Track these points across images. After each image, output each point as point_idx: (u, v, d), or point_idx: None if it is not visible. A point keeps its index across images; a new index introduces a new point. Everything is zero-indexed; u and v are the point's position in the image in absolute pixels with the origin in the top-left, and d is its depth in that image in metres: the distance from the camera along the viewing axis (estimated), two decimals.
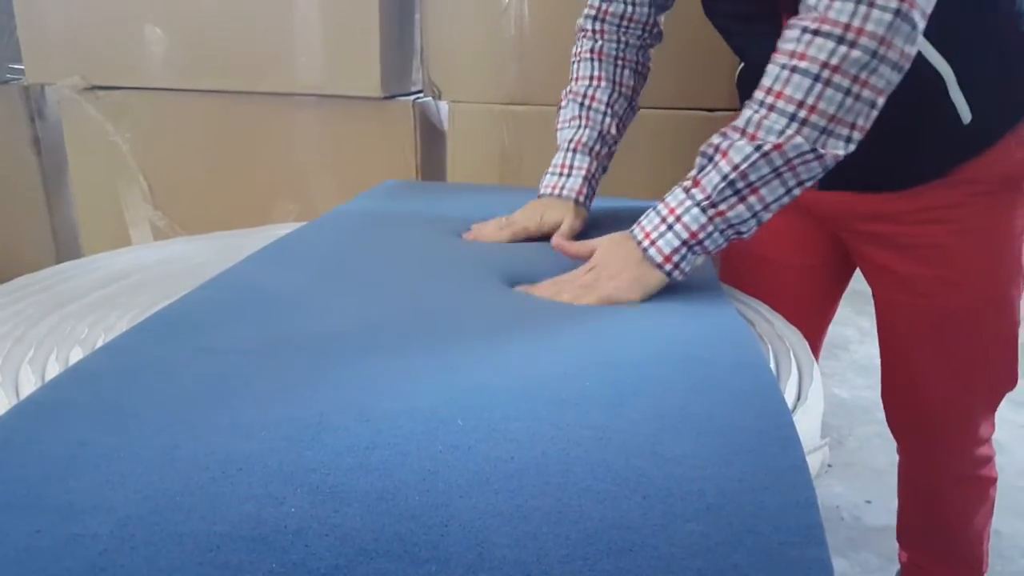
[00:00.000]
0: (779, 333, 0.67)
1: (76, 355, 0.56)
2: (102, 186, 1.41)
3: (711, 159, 0.64)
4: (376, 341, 0.54)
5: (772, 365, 0.60)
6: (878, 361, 0.96)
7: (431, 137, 1.34)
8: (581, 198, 0.86)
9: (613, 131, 0.89)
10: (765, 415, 0.45)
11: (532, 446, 0.40)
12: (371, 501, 0.35)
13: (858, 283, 0.97)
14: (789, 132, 0.61)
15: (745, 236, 0.66)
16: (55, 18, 1.33)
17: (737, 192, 0.63)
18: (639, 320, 0.61)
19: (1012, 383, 0.90)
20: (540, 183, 0.89)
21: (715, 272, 0.75)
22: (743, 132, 0.63)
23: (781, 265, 0.94)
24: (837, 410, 1.84)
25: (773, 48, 0.64)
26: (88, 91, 1.36)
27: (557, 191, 0.87)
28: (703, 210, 0.64)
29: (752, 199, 0.63)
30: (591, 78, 0.89)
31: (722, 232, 0.65)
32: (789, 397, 0.55)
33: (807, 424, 0.53)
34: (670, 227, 0.65)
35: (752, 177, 0.62)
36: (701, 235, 0.64)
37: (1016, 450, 1.67)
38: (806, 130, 0.61)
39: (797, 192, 0.64)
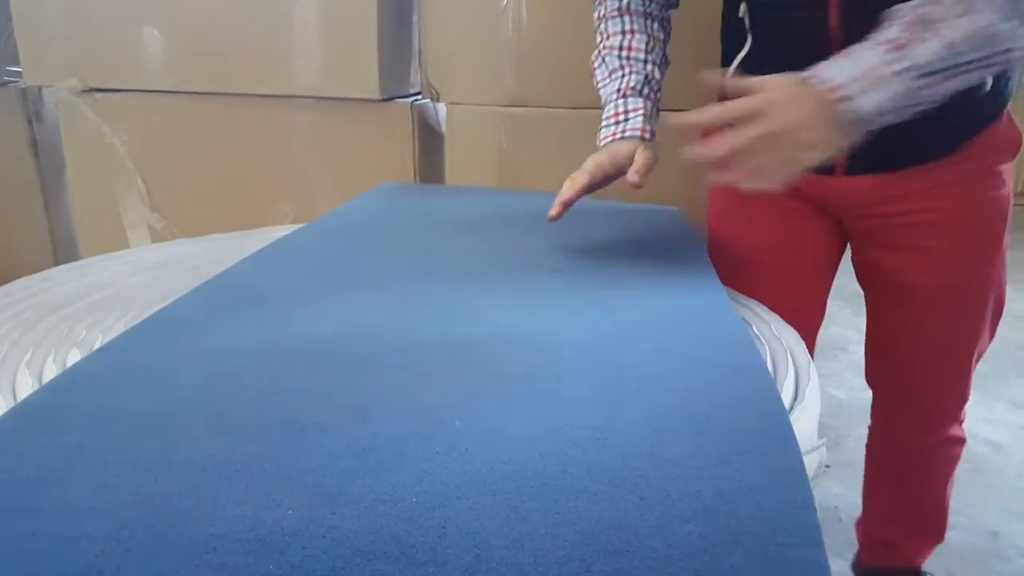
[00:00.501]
0: (776, 333, 0.67)
1: (73, 357, 0.56)
2: (100, 188, 1.41)
3: (921, 33, 0.62)
4: (374, 343, 0.54)
5: (769, 366, 0.60)
6: None
7: (429, 139, 1.34)
8: (646, 135, 0.83)
9: (657, 75, 0.87)
10: (762, 416, 0.45)
11: (530, 447, 0.40)
12: (368, 503, 0.35)
13: (857, 284, 0.97)
14: (1012, 23, 0.61)
15: (921, 107, 0.64)
16: (53, 20, 1.33)
17: (949, 69, 0.62)
18: (637, 321, 0.61)
19: (989, 342, 0.94)
20: (598, 139, 0.86)
21: (714, 272, 0.75)
22: (964, 12, 0.61)
23: (778, 268, 0.94)
24: (835, 411, 1.83)
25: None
26: (86, 93, 1.36)
27: (619, 136, 0.84)
28: (916, 77, 0.62)
29: (957, 80, 0.63)
30: (623, 32, 0.88)
31: (914, 106, 0.64)
32: (786, 397, 0.55)
33: (804, 424, 0.53)
34: (877, 85, 0.62)
35: (969, 57, 0.62)
36: (903, 103, 0.63)
37: (1016, 450, 1.67)
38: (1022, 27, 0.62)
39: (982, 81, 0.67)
